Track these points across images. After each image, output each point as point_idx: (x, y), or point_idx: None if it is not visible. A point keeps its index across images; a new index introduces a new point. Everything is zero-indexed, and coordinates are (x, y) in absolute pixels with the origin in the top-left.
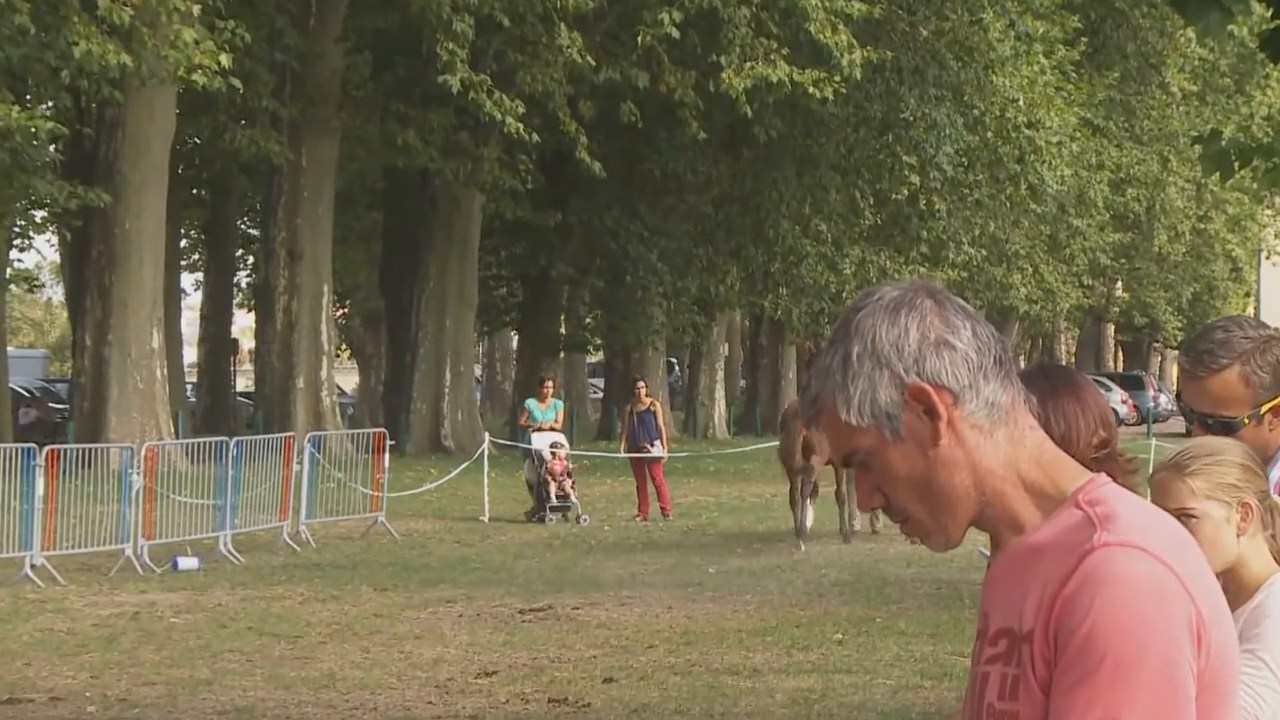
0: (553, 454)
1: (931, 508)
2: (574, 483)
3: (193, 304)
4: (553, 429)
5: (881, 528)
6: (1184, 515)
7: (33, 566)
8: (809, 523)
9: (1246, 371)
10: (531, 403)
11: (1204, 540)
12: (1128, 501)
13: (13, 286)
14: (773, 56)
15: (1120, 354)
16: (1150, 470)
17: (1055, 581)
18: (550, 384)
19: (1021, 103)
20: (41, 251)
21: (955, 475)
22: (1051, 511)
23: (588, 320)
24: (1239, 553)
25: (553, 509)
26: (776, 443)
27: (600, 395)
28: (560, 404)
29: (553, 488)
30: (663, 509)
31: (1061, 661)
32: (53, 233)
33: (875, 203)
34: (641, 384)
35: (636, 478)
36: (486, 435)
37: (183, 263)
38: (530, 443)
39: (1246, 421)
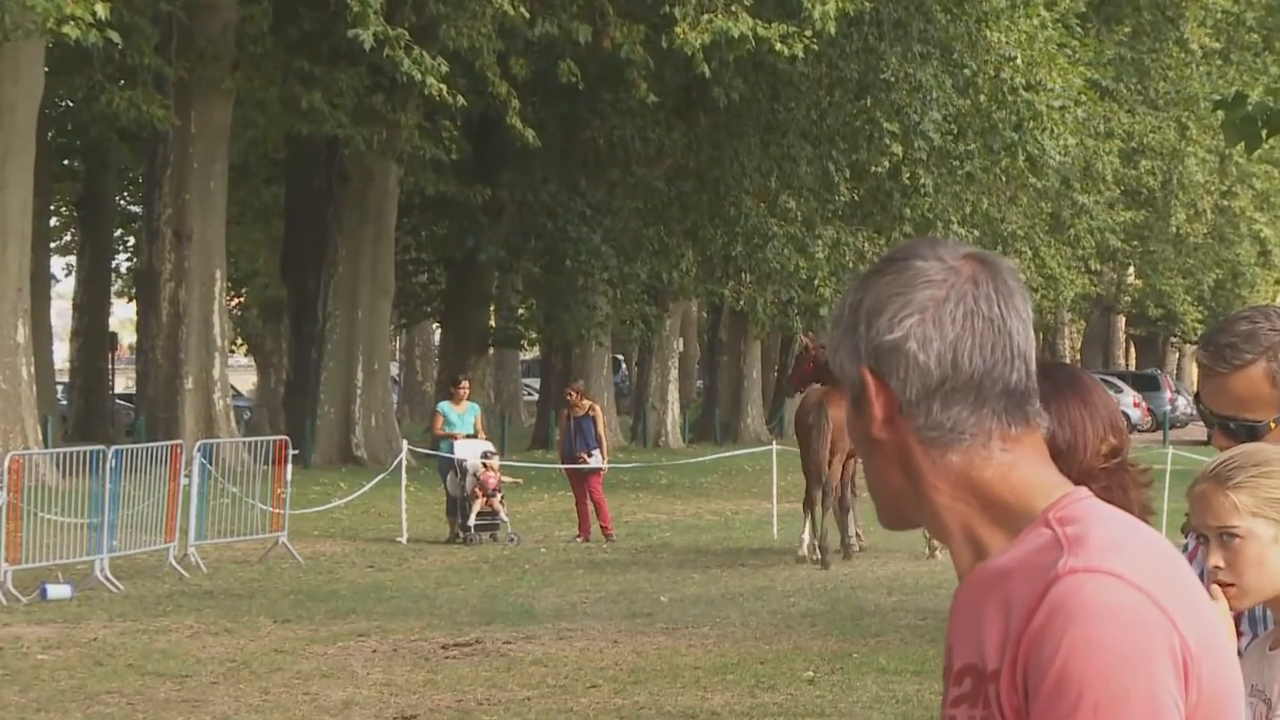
0: (485, 465)
1: (873, 483)
2: (504, 497)
3: (64, 292)
4: (469, 437)
5: (867, 545)
6: (1227, 534)
7: None
8: (841, 537)
9: (1273, 368)
10: (445, 406)
11: (1249, 562)
12: (1105, 518)
13: None
14: (734, 8)
15: (1132, 350)
16: (1166, 482)
17: (1021, 614)
18: (466, 385)
19: (1019, 61)
20: None
21: (892, 470)
22: (1020, 531)
23: (521, 311)
24: None
25: (479, 527)
26: (740, 451)
27: (535, 397)
28: (477, 408)
29: (477, 504)
30: (603, 528)
31: (1034, 709)
32: None
33: (852, 176)
34: (573, 390)
35: (575, 493)
36: (404, 444)
37: (53, 244)
38: (451, 452)
39: (1273, 426)
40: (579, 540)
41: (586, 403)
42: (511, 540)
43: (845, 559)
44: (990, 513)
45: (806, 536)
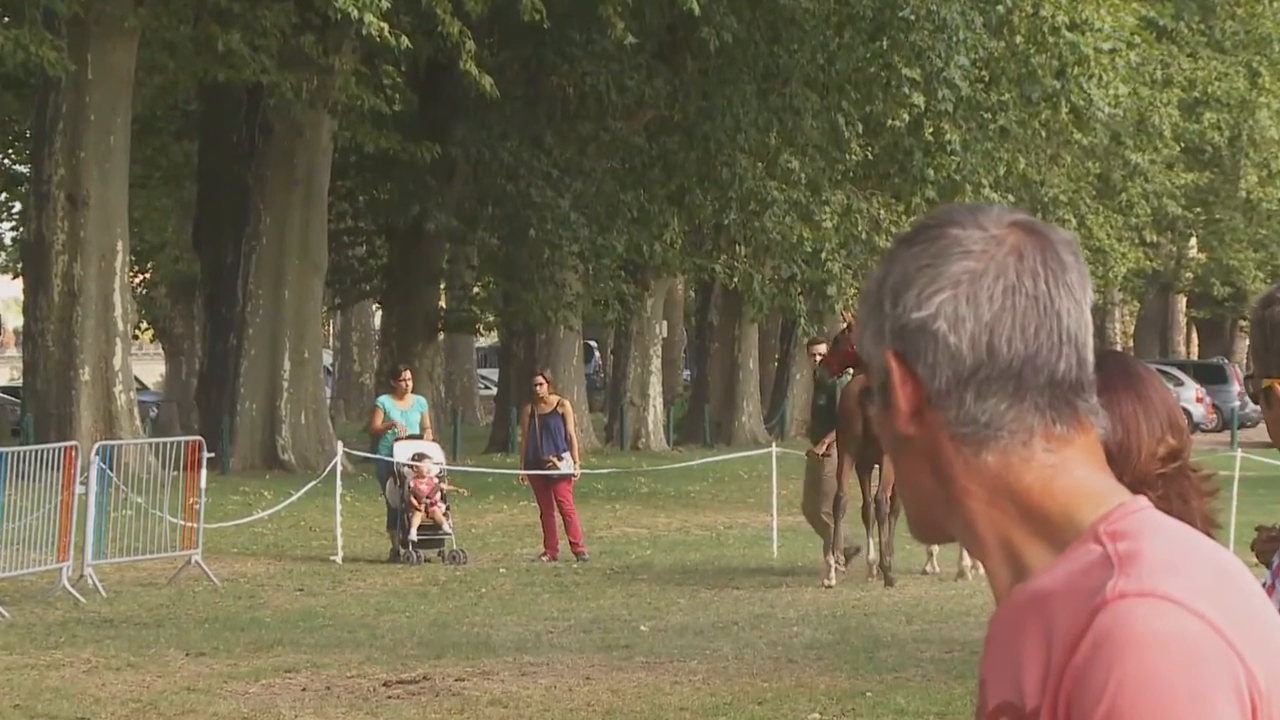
0: (414, 469)
1: (902, 487)
2: (448, 508)
3: None
4: (414, 437)
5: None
6: None
7: None
8: (871, 553)
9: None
10: (386, 400)
11: None
12: (1162, 533)
13: None
14: None
15: (1194, 335)
16: (1234, 490)
17: (1064, 645)
18: (409, 376)
19: None
20: None
21: (921, 472)
22: (1066, 546)
23: (477, 290)
24: None
25: (418, 544)
26: (733, 455)
27: (493, 391)
28: (424, 402)
29: (417, 516)
30: (573, 545)
31: None
32: None
33: (865, 131)
34: (542, 377)
35: (540, 503)
36: (340, 445)
37: None
38: (392, 455)
39: (1251, 389)
40: (545, 559)
41: (554, 398)
42: (456, 558)
43: (840, 570)
44: (1031, 524)
45: (868, 551)
